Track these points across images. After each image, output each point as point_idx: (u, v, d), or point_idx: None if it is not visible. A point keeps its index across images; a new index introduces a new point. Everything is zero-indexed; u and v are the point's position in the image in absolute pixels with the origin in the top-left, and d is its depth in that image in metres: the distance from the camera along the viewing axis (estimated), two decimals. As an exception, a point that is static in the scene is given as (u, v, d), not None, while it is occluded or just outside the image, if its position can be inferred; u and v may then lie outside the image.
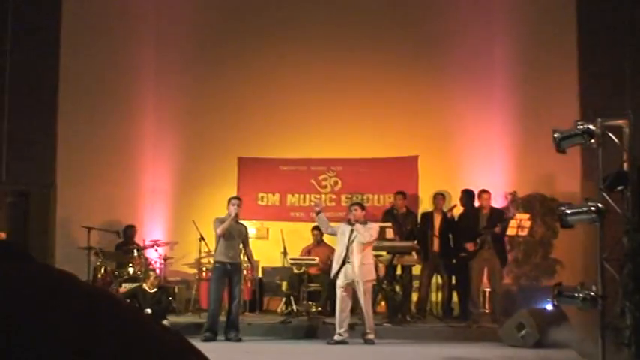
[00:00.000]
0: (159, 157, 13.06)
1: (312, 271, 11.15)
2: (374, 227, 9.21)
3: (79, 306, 0.66)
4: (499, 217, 10.25)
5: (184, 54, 13.17)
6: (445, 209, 11.01)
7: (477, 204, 10.62)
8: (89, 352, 0.62)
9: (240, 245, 9.64)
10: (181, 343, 0.75)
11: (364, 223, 9.15)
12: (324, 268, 11.27)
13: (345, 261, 9.03)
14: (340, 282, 9.09)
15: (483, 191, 10.46)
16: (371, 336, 9.08)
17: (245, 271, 9.59)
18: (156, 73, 13.14)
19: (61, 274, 0.71)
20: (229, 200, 9.80)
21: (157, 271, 11.27)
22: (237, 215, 9.61)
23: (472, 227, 10.27)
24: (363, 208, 9.47)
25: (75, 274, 0.76)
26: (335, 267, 9.20)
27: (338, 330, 9.05)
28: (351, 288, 9.07)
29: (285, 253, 11.78)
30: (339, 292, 9.17)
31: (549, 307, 8.83)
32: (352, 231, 9.06)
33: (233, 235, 9.54)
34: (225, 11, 13.16)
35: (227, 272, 9.48)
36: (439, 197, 11.07)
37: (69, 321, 0.64)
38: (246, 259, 9.86)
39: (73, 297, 0.67)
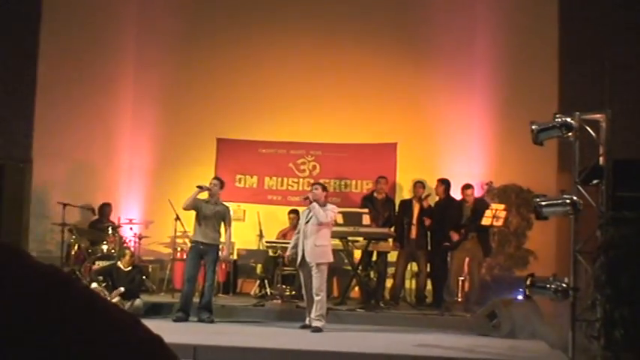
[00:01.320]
0: (137, 135, 12.98)
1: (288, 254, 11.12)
2: (332, 208, 8.94)
3: (32, 287, 0.65)
4: (483, 207, 10.28)
5: (166, 31, 13.04)
6: (422, 197, 11.02)
7: (458, 196, 10.65)
8: (42, 329, 0.62)
9: (221, 227, 9.56)
10: (134, 322, 0.75)
11: (323, 205, 8.87)
12: (299, 252, 11.29)
13: (297, 242, 8.84)
14: (298, 265, 8.93)
15: (467, 186, 10.51)
16: (318, 323, 8.66)
17: (220, 253, 9.50)
18: (136, 50, 13.02)
19: (13, 252, 0.69)
20: (210, 180, 9.81)
21: (132, 249, 11.20)
22: (214, 195, 9.56)
23: (456, 218, 10.32)
24: (324, 188, 9.11)
25: (26, 251, 0.75)
26: (289, 248, 9.06)
27: (313, 313, 8.84)
28: (307, 270, 8.83)
29: (261, 235, 11.77)
30: (300, 274, 9.03)
31: (521, 297, 8.88)
32: (309, 212, 8.86)
33: (207, 215, 9.48)
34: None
35: (200, 252, 9.44)
36: (418, 185, 11.07)
37: (21, 301, 0.63)
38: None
39: (25, 277, 0.65)
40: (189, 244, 10.38)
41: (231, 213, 9.84)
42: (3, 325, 0.62)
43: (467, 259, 10.31)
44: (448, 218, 10.45)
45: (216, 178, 10.03)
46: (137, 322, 0.76)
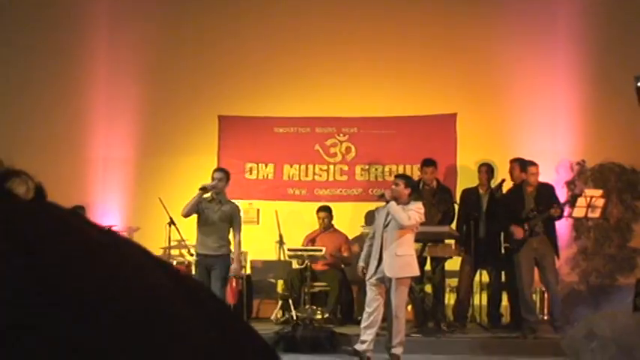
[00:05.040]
0: (114, 118, 13.11)
1: (318, 266, 11.26)
2: (415, 207, 9.04)
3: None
4: (550, 195, 10.34)
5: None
6: (493, 185, 11.11)
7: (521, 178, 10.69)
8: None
9: (229, 232, 9.72)
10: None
11: (406, 203, 9.05)
12: (334, 263, 11.42)
13: (381, 254, 9.05)
14: (369, 277, 9.14)
15: (530, 163, 10.52)
16: (397, 350, 9.04)
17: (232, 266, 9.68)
18: (109, 9, 13.19)
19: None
20: (212, 173, 9.96)
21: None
22: (219, 193, 9.70)
23: (516, 209, 10.39)
24: (409, 183, 9.28)
25: None
26: (370, 263, 9.18)
27: (362, 336, 9.07)
28: (383, 286, 9.06)
29: (281, 242, 11.85)
30: (368, 291, 9.23)
31: (629, 310, 8.94)
32: (388, 213, 9.05)
33: (211, 219, 9.63)
34: None
35: (207, 267, 9.64)
36: (484, 169, 11.14)
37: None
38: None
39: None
40: (189, 258, 10.50)
41: (241, 213, 9.98)
42: None
43: (535, 263, 10.38)
44: (505, 211, 10.53)
45: (218, 169, 10.16)
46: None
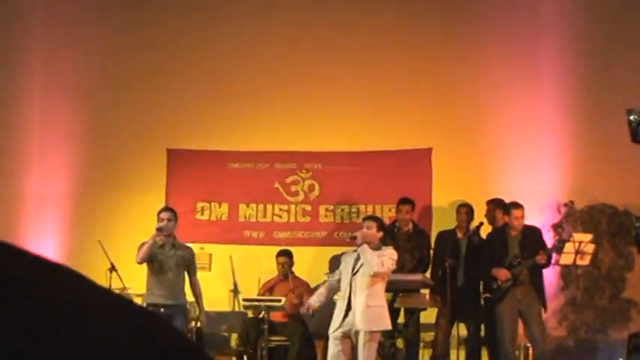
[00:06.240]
0: (49, 151, 13.05)
1: (277, 317, 11.13)
2: (389, 253, 9.02)
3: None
4: (536, 240, 10.31)
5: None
6: (471, 229, 11.04)
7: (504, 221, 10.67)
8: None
9: (184, 278, 9.68)
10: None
11: (378, 247, 9.03)
12: (294, 314, 11.25)
13: (349, 305, 8.95)
14: (333, 330, 9.03)
15: (514, 205, 10.50)
16: None
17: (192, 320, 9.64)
18: (45, 21, 13.10)
19: None
20: (158, 214, 9.84)
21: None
22: (170, 235, 9.64)
23: (499, 255, 10.34)
24: (381, 226, 9.27)
25: None
26: (335, 314, 9.09)
27: None
28: (349, 340, 8.95)
29: (235, 290, 11.74)
30: (331, 346, 9.10)
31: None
32: (358, 258, 9.02)
33: (168, 265, 9.58)
34: None
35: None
36: (464, 210, 11.10)
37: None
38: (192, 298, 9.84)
39: None
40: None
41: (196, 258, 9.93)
42: None
43: (519, 315, 10.31)
44: (489, 254, 10.47)
45: (166, 209, 10.10)
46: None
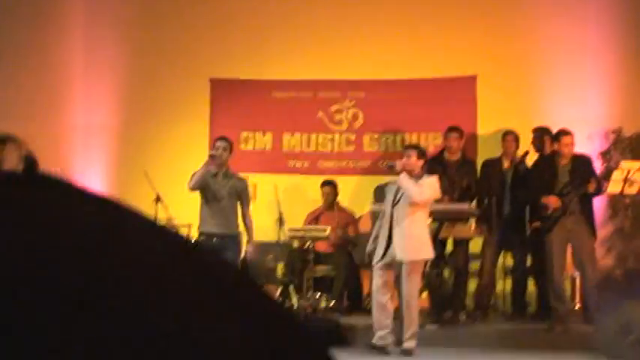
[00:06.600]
0: (93, 82, 13.09)
1: (322, 247, 11.21)
2: (429, 181, 9.01)
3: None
4: (587, 168, 10.20)
5: None
6: (517, 157, 10.95)
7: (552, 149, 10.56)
8: None
9: (237, 209, 9.73)
10: None
11: (419, 176, 9.00)
12: (340, 244, 11.33)
13: (390, 235, 8.96)
14: (376, 262, 9.06)
15: (562, 132, 10.34)
16: (410, 344, 9.01)
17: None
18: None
19: None
20: (213, 142, 9.95)
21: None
22: (223, 165, 9.67)
23: (548, 184, 10.23)
24: (422, 154, 9.19)
25: None
26: (378, 244, 9.11)
27: (377, 331, 9.05)
28: (392, 271, 9.02)
29: (281, 221, 11.74)
30: (375, 277, 9.17)
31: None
32: (399, 188, 8.99)
33: (220, 194, 9.61)
34: None
35: (214, 248, 9.51)
36: (511, 138, 10.98)
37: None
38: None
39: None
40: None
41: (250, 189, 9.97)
42: None
43: (569, 246, 10.24)
44: (538, 183, 10.37)
45: (222, 138, 10.06)
46: None
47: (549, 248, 10.14)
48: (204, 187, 9.65)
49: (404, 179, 8.90)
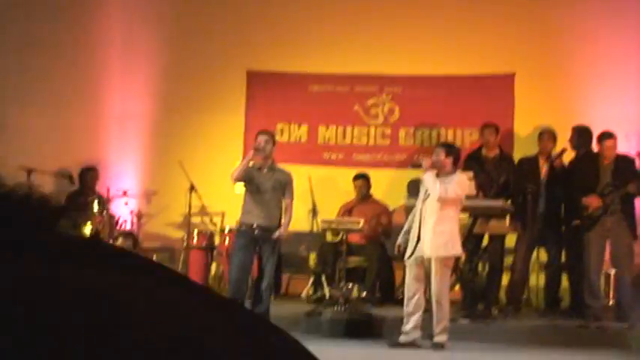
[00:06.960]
0: (130, 71, 13.13)
1: (355, 239, 11.17)
2: (458, 179, 8.99)
3: None
4: (629, 169, 10.14)
5: None
6: (553, 154, 10.90)
7: (595, 149, 10.53)
8: None
9: (280, 202, 9.72)
10: None
11: (449, 173, 8.97)
12: (373, 236, 11.32)
13: (420, 230, 8.95)
14: (407, 257, 9.06)
15: (606, 135, 10.33)
16: (441, 338, 8.99)
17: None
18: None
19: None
20: (255, 136, 9.89)
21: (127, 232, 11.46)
22: (266, 157, 9.66)
23: (590, 183, 10.21)
24: (450, 151, 9.13)
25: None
26: (410, 240, 9.10)
27: (404, 326, 9.04)
28: (422, 267, 9.00)
29: (314, 212, 11.75)
30: (407, 271, 9.17)
31: None
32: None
33: (264, 187, 9.62)
34: None
35: (255, 240, 9.56)
36: (547, 136, 10.93)
37: None
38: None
39: None
40: (211, 227, 10.42)
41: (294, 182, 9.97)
42: None
43: (608, 244, 10.23)
44: (580, 182, 10.34)
45: (264, 132, 10.05)
46: None
47: (587, 246, 10.15)
48: (247, 179, 9.65)
49: (428, 177, 8.92)
